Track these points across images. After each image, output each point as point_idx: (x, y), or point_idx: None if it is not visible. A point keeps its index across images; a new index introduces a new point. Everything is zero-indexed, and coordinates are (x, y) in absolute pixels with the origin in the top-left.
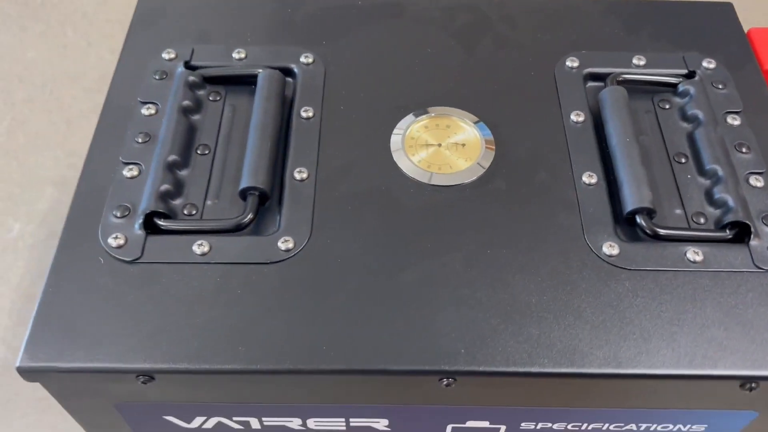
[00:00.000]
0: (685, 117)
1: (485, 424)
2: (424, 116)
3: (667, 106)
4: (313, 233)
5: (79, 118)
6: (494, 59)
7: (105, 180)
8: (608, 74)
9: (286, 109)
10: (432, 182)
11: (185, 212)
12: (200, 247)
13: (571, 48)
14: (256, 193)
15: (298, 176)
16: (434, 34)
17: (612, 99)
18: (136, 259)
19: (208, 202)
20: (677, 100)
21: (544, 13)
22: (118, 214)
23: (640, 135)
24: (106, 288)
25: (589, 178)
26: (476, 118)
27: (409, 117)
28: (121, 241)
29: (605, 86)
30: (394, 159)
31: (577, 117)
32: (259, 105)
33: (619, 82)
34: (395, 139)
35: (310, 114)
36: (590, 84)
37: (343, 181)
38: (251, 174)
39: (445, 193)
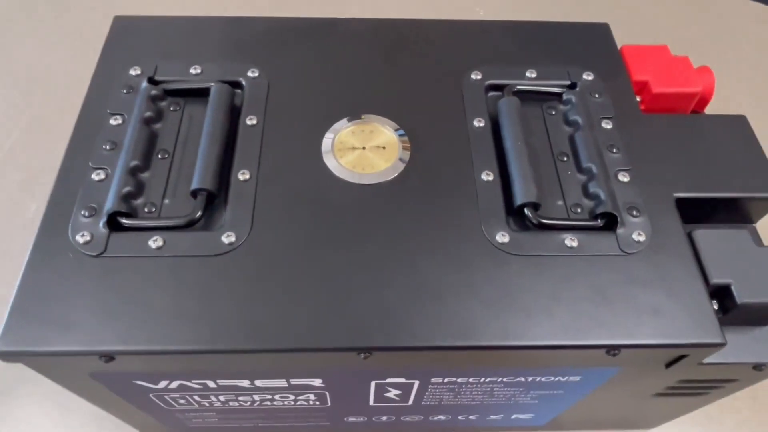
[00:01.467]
0: (567, 122)
1: (402, 380)
2: (351, 123)
3: (553, 113)
4: (253, 228)
5: None
6: (412, 72)
7: (77, 183)
8: (505, 85)
9: (234, 117)
10: (356, 181)
11: (146, 210)
12: (155, 242)
13: (476, 63)
14: (205, 193)
15: (241, 177)
16: (362, 50)
17: (507, 107)
18: (101, 253)
19: (166, 201)
20: (561, 107)
21: (454, 33)
22: (86, 214)
23: (530, 137)
24: (74, 279)
25: (487, 176)
26: (396, 125)
27: (339, 123)
28: (88, 238)
29: (503, 96)
30: (324, 161)
31: (478, 123)
32: (210, 115)
33: (514, 93)
34: (326, 143)
35: (254, 122)
36: (491, 94)
37: (279, 182)
38: (200, 176)
39: (367, 190)
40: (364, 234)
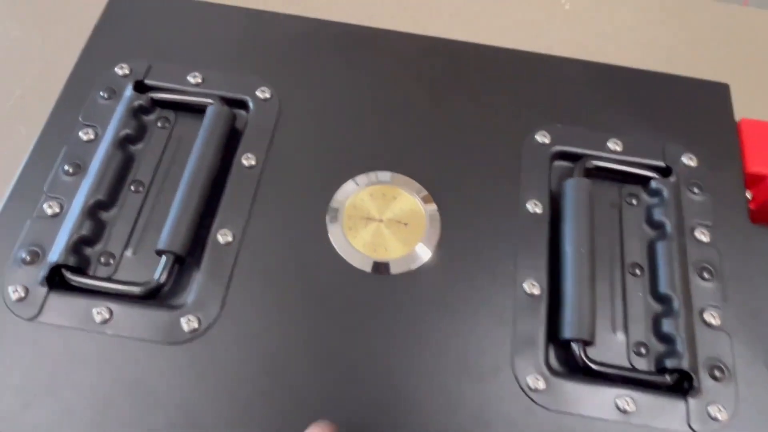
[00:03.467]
0: (650, 221)
1: None
2: (370, 181)
3: (634, 203)
4: (223, 311)
5: None
6: (460, 120)
7: (24, 212)
8: (579, 156)
9: (229, 150)
10: (366, 268)
11: (101, 260)
12: (100, 314)
13: (544, 118)
14: (172, 256)
15: (221, 239)
16: (402, 79)
17: (575, 193)
18: (33, 317)
19: (127, 253)
20: (646, 198)
21: (524, 69)
22: (27, 259)
23: (598, 233)
24: (8, 351)
25: (531, 287)
26: (425, 192)
27: (355, 180)
28: (21, 294)
29: (574, 170)
30: (329, 233)
31: (534, 207)
32: (199, 148)
33: (589, 170)
34: (335, 207)
35: (252, 162)
36: (558, 163)
37: (269, 252)
38: (170, 235)
39: (375, 280)
40: (364, 337)
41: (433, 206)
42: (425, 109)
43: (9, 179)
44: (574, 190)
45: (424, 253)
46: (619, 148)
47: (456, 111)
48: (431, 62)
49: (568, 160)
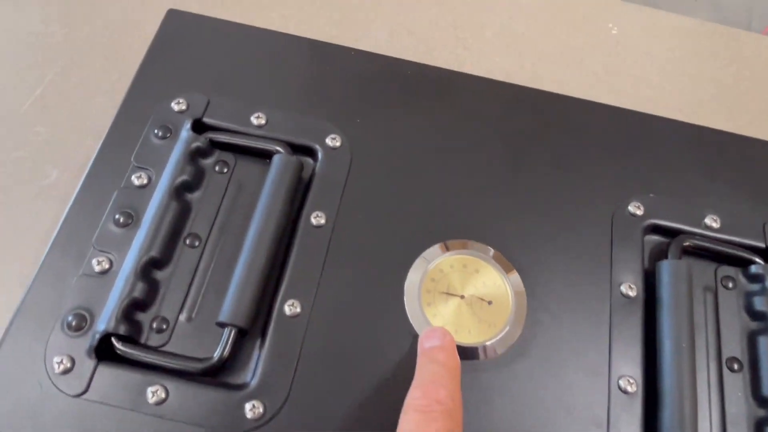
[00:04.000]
0: (750, 310)
1: None
2: (451, 252)
3: (731, 286)
4: (291, 396)
5: (132, 69)
6: (545, 183)
7: (69, 269)
8: (673, 231)
9: (296, 205)
10: None
11: (153, 326)
12: (155, 393)
13: (639, 187)
14: (235, 330)
15: (288, 311)
16: (484, 135)
17: (674, 282)
18: (80, 393)
19: (182, 317)
20: (745, 282)
21: (614, 132)
22: (74, 324)
23: (694, 323)
24: (40, 422)
25: (627, 384)
26: (511, 267)
27: (434, 249)
28: (67, 365)
29: (669, 248)
30: (406, 309)
31: (628, 290)
32: (265, 203)
33: (685, 249)
34: (412, 279)
35: (322, 221)
36: (651, 237)
37: (340, 326)
38: (233, 305)
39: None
40: None
41: (518, 281)
42: (507, 169)
43: (25, 183)
44: (671, 275)
45: (510, 336)
46: (716, 225)
47: (540, 173)
48: (514, 114)
49: (661, 235)
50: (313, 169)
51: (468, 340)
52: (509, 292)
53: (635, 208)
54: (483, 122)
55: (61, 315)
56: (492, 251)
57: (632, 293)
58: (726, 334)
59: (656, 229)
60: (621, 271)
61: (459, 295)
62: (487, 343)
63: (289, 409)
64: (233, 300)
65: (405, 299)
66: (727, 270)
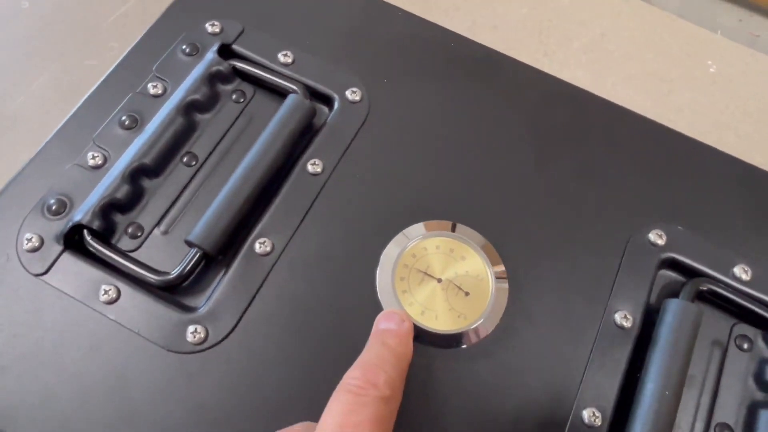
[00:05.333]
0: (761, 378)
1: None
2: (441, 232)
3: (746, 347)
4: (235, 330)
5: None
6: (564, 190)
7: (68, 156)
8: (694, 272)
9: (297, 148)
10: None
11: (128, 231)
12: (106, 294)
13: (666, 215)
14: (200, 252)
15: (258, 248)
16: (514, 124)
17: (677, 324)
18: (39, 273)
19: (158, 230)
20: (764, 347)
21: (654, 150)
22: (53, 209)
23: (689, 376)
24: (3, 302)
25: (592, 415)
26: (500, 263)
27: (426, 224)
28: (35, 245)
29: (683, 288)
30: (377, 277)
31: (623, 320)
32: (266, 138)
33: (701, 294)
34: (392, 249)
35: (318, 170)
36: (665, 272)
37: (305, 276)
38: (204, 228)
39: (417, 354)
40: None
41: (504, 284)
42: (528, 163)
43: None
44: (677, 316)
45: (475, 336)
46: (746, 277)
47: (563, 176)
48: (552, 109)
49: (678, 272)
50: (326, 119)
51: (432, 325)
52: (490, 288)
53: (656, 237)
54: (516, 110)
55: (44, 198)
56: (484, 242)
57: (627, 324)
58: (724, 397)
59: (674, 265)
60: (621, 299)
61: (436, 278)
62: (452, 332)
63: (229, 342)
64: (206, 223)
65: (378, 268)
66: (745, 329)
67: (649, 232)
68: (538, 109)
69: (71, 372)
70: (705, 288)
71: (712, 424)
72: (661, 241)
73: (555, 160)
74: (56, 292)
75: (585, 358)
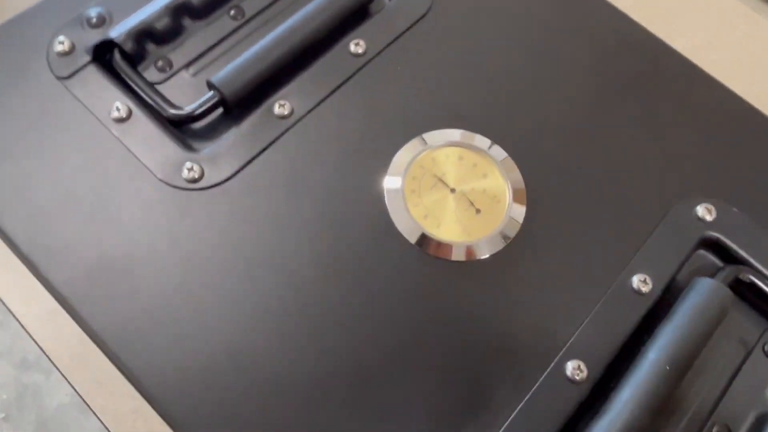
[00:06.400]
0: None
1: None
2: (470, 145)
3: None
4: (232, 180)
5: None
6: (618, 137)
7: None
8: (737, 259)
9: (345, 24)
10: (411, 238)
11: (157, 64)
12: (117, 111)
13: (724, 192)
14: (219, 96)
15: (277, 109)
16: (584, 58)
17: (702, 303)
18: (62, 77)
19: (185, 72)
20: None
21: (730, 126)
22: (93, 20)
23: (702, 368)
24: (23, 96)
25: (576, 370)
26: (523, 194)
27: (457, 132)
28: (66, 49)
29: (719, 271)
30: (387, 172)
31: (640, 284)
32: (314, 6)
33: (739, 281)
34: (410, 148)
35: (360, 50)
36: (703, 252)
37: (316, 149)
38: (229, 74)
39: (410, 254)
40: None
41: (521, 213)
42: (586, 100)
43: None
44: (704, 295)
45: (474, 254)
46: None
47: (619, 121)
48: (628, 54)
49: (718, 257)
50: (385, 5)
51: (432, 231)
52: (505, 213)
53: (705, 211)
54: (592, 46)
55: (87, 9)
56: (513, 167)
57: (644, 289)
58: (732, 399)
59: (716, 246)
60: (645, 262)
61: (450, 187)
62: (449, 242)
63: (221, 190)
64: (233, 70)
65: (393, 160)
66: None
67: (697, 205)
68: (613, 48)
69: (63, 177)
70: (745, 279)
71: (711, 422)
72: (709, 217)
73: (617, 103)
74: (71, 98)
75: (587, 310)
